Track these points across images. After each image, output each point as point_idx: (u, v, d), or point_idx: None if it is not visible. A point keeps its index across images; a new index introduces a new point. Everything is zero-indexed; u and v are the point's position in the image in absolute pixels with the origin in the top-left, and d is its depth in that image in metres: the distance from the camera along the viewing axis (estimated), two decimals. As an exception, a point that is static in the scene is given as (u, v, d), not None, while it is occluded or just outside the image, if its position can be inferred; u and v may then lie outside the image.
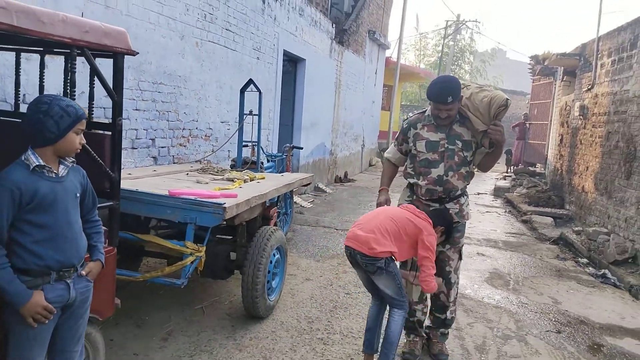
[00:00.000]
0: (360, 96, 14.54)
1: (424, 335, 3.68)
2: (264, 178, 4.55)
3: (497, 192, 12.77)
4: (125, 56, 2.56)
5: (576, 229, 8.59)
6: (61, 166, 2.10)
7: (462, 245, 3.60)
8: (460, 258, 3.60)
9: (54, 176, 2.06)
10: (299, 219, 7.72)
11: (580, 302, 5.11)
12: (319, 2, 11.17)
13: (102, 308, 2.53)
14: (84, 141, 2.15)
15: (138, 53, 2.64)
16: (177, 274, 3.28)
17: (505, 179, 15.11)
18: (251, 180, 4.33)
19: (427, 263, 3.02)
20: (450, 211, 3.43)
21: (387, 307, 3.21)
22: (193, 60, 5.68)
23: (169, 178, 4.18)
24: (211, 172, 4.67)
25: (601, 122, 8.69)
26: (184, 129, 5.67)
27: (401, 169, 3.71)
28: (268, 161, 6.11)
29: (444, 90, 3.22)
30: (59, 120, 2.02)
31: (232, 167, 5.41)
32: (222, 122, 6.55)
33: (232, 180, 4.22)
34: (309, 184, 5.33)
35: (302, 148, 7.88)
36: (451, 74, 29.20)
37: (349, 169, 13.83)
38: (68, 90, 2.43)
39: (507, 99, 3.22)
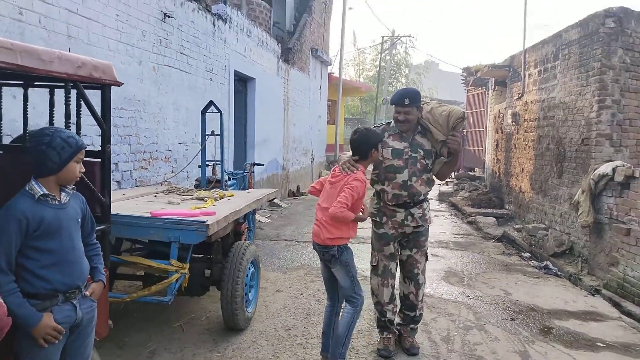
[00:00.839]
0: (307, 112, 14.91)
1: (396, 332, 3.93)
2: (232, 195, 4.72)
3: (442, 196, 13.46)
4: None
5: (517, 226, 9.27)
6: (63, 193, 2.22)
7: (427, 248, 3.89)
8: (426, 259, 3.90)
9: (57, 203, 2.18)
10: (259, 234, 7.88)
11: (528, 292, 5.60)
12: (262, 22, 11.48)
13: (98, 328, 2.62)
14: (83, 169, 2.28)
15: (123, 84, 2.80)
16: (162, 293, 3.39)
17: (447, 184, 15.89)
18: (221, 198, 4.49)
19: (341, 197, 3.20)
20: (415, 216, 3.73)
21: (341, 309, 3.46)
22: (151, 84, 5.78)
23: (140, 201, 4.27)
24: (178, 193, 4.78)
25: (532, 127, 9.46)
26: (144, 152, 5.73)
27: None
28: (229, 179, 6.26)
29: (402, 94, 3.66)
30: (60, 151, 2.14)
31: (197, 186, 5.53)
32: (180, 144, 6.65)
33: (203, 199, 4.36)
34: (274, 198, 5.54)
35: (263, 165, 8.09)
36: (389, 87, 30.19)
37: (301, 183, 14.10)
38: (54, 121, 2.55)
39: (464, 112, 3.62)
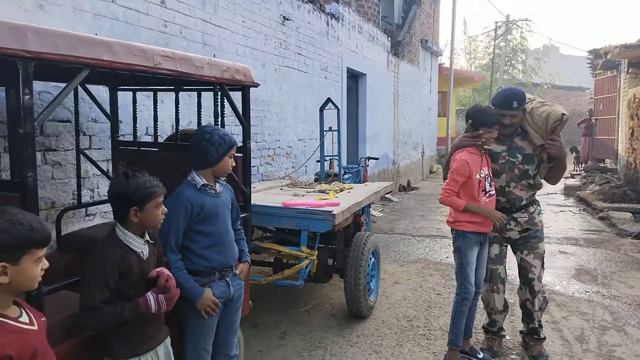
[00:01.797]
0: (417, 105, 14.72)
1: (504, 334, 3.76)
2: (352, 188, 4.88)
3: (568, 190, 12.51)
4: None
5: (658, 222, 8.35)
6: (217, 184, 2.50)
7: (543, 252, 3.57)
8: (543, 266, 3.56)
9: (214, 193, 2.46)
10: (374, 227, 7.98)
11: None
12: (371, 17, 11.55)
13: (242, 307, 2.90)
14: (234, 164, 2.55)
15: (260, 85, 3.05)
16: (294, 277, 3.64)
17: (574, 177, 14.74)
18: (341, 190, 4.66)
19: (445, 183, 3.27)
20: (519, 220, 3.48)
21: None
22: (273, 85, 6.15)
23: (269, 193, 4.58)
24: (300, 186, 5.04)
25: (677, 111, 8.45)
26: (269, 148, 6.12)
27: None
28: (345, 173, 6.45)
29: (510, 96, 3.34)
30: (218, 147, 2.41)
31: (316, 180, 5.77)
32: (298, 140, 6.98)
33: (325, 192, 4.56)
34: (391, 191, 5.61)
35: (377, 158, 8.19)
36: (505, 75, 28.46)
37: (411, 177, 13.98)
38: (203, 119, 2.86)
39: (564, 114, 3.26)
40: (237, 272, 2.57)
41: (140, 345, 1.99)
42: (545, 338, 3.67)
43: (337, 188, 4.67)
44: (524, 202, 3.50)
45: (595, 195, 10.98)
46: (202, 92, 3.08)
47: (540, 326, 3.65)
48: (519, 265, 3.61)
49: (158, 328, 2.08)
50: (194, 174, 2.43)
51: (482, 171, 3.27)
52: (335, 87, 8.27)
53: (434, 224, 8.43)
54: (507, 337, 3.86)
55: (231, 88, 2.91)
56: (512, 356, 3.66)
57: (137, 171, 2.01)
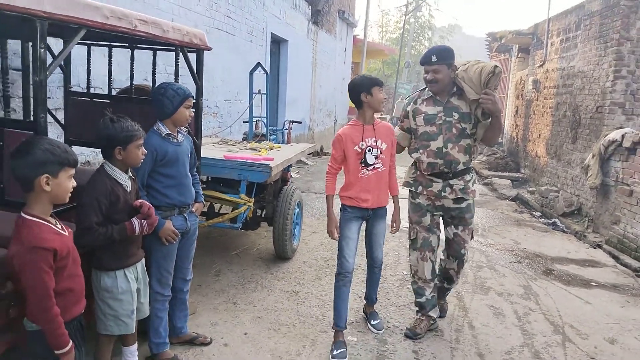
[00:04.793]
0: (332, 74, 15.39)
1: (432, 318, 3.63)
2: (280, 147, 5.42)
3: (461, 160, 14.00)
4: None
5: (530, 189, 9.88)
6: (179, 134, 2.93)
7: (473, 225, 3.61)
8: (472, 238, 3.64)
9: (176, 141, 2.89)
10: (291, 186, 8.63)
11: (535, 242, 6.29)
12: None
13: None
14: (192, 114, 2.97)
15: (212, 48, 3.45)
16: (233, 221, 4.16)
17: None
18: (271, 149, 5.19)
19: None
20: (454, 187, 3.43)
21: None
22: (204, 46, 6.41)
23: (204, 148, 4.97)
24: (232, 144, 5.48)
25: (551, 94, 9.91)
26: (198, 107, 6.42)
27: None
28: (271, 134, 6.94)
29: (429, 51, 3.38)
30: (172, 99, 2.82)
31: (244, 139, 6.22)
32: (225, 101, 7.32)
33: (256, 149, 5.06)
34: (312, 152, 6.23)
35: (301, 122, 8.74)
36: (412, 50, 29.75)
37: (324, 143, 14.74)
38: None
39: (496, 66, 3.22)
40: (193, 209, 3.04)
41: (125, 260, 2.43)
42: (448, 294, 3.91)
43: (268, 146, 5.18)
44: (461, 167, 3.43)
45: (483, 164, 12.49)
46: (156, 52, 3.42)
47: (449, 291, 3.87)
48: (451, 240, 3.58)
49: (137, 248, 2.53)
50: (159, 124, 2.84)
51: (362, 142, 3.18)
52: (260, 51, 8.64)
53: (345, 184, 9.25)
54: (438, 326, 3.72)
55: (188, 50, 3.30)
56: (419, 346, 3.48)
57: (121, 117, 2.41)
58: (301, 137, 12.05)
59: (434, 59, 3.32)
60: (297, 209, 4.94)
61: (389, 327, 3.67)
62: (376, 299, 3.74)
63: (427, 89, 3.51)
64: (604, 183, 7.15)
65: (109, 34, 2.56)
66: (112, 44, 3.54)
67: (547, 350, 3.50)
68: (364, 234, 3.43)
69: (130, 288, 2.42)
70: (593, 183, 7.29)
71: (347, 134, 3.24)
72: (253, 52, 8.25)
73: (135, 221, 2.39)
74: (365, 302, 3.76)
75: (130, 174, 2.49)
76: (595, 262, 5.73)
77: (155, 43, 3.16)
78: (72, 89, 3.68)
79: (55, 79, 3.79)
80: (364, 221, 3.38)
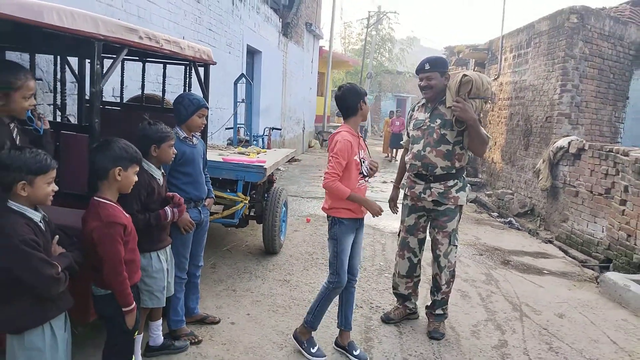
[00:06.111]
0: (300, 83, 15.94)
1: (408, 308, 3.92)
2: (266, 152, 5.87)
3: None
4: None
5: (488, 192, 10.66)
6: (194, 138, 3.35)
7: (452, 231, 3.62)
8: (450, 243, 3.64)
9: (191, 144, 3.31)
10: (268, 190, 9.07)
11: (494, 238, 6.97)
12: (262, -3, 12.39)
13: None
14: (204, 122, 3.40)
15: (216, 63, 3.90)
16: (230, 217, 4.58)
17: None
18: (258, 153, 5.63)
19: (328, 167, 3.09)
20: (434, 190, 3.53)
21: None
22: (189, 57, 6.80)
23: (196, 152, 5.37)
24: (220, 149, 5.89)
25: (506, 105, 10.77)
26: (183, 114, 6.79)
27: None
28: (254, 140, 7.37)
29: (423, 60, 3.57)
30: (187, 107, 3.26)
31: (229, 144, 6.63)
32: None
33: (244, 154, 5.49)
34: (293, 157, 6.71)
35: (280, 129, 9.23)
36: (374, 62, 30.54)
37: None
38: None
39: (465, 75, 3.36)
40: (206, 204, 3.47)
41: (157, 243, 2.84)
42: (444, 315, 3.81)
43: (255, 151, 5.63)
44: (440, 171, 3.52)
45: (445, 170, 13.24)
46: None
47: (444, 303, 3.77)
48: (431, 241, 3.73)
49: (166, 234, 2.94)
50: (177, 128, 3.26)
51: (359, 153, 3.18)
52: (237, 62, 9.06)
53: (317, 189, 9.74)
54: (418, 317, 3.98)
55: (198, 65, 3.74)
56: (402, 327, 3.85)
57: (157, 121, 2.83)
58: (274, 144, 12.47)
59: (427, 66, 3.51)
60: (284, 208, 5.40)
61: (372, 307, 4.17)
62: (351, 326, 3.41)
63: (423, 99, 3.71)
64: (554, 185, 7.95)
65: (141, 51, 2.99)
66: (125, 58, 3.92)
67: (507, 324, 4.09)
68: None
69: (162, 267, 2.83)
70: (544, 186, 8.08)
71: (352, 142, 3.09)
72: (231, 62, 8.67)
73: (168, 209, 2.81)
74: (341, 329, 3.38)
75: (162, 170, 2.91)
76: (546, 254, 6.45)
77: (172, 58, 3.59)
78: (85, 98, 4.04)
79: (70, 87, 4.13)
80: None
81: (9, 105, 2.28)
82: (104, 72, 2.59)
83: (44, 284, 1.87)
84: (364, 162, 3.21)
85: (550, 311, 4.43)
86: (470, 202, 9.88)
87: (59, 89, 3.57)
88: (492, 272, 5.42)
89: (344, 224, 3.15)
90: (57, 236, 2.08)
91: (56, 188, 2.04)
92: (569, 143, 7.55)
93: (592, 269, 5.90)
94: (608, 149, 6.50)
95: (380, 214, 3.13)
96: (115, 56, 2.72)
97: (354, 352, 3.30)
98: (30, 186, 1.93)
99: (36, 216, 1.96)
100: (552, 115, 8.48)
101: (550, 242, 7.33)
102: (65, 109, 3.56)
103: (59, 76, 3.55)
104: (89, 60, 2.64)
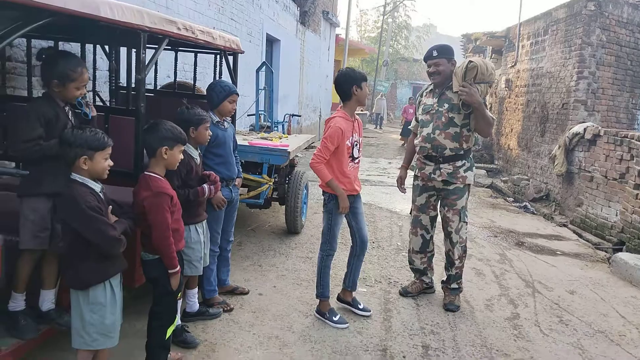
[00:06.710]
0: (317, 71, 16.11)
1: (424, 281, 4.16)
2: (287, 137, 6.11)
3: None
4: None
5: (503, 179, 10.78)
6: (225, 122, 3.60)
7: (462, 209, 3.83)
8: (460, 220, 3.84)
9: (223, 127, 3.56)
10: (287, 176, 9.33)
11: (509, 221, 7.15)
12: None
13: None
14: (235, 108, 3.64)
15: (244, 52, 4.13)
16: (256, 197, 4.85)
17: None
18: (280, 138, 5.87)
19: (317, 149, 3.36)
20: (443, 170, 3.76)
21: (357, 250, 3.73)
22: (213, 46, 7.05)
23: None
24: (244, 134, 6.14)
25: (522, 92, 10.83)
26: (207, 101, 7.06)
27: None
28: (275, 126, 7.62)
29: (431, 49, 3.78)
30: (218, 94, 3.50)
31: (251, 130, 6.88)
32: (228, 96, 7.96)
33: (267, 139, 5.73)
34: (313, 142, 6.94)
35: (300, 116, 9.47)
36: (390, 49, 30.51)
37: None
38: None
39: (470, 61, 3.56)
40: (236, 183, 3.72)
41: (195, 217, 3.09)
42: (459, 289, 4.02)
43: (277, 136, 5.87)
44: (449, 152, 3.72)
45: (461, 157, 13.36)
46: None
47: (458, 277, 3.99)
48: (442, 219, 3.93)
49: (203, 209, 3.20)
50: (210, 113, 3.50)
51: (352, 137, 3.38)
52: (257, 50, 9.29)
53: (336, 175, 9.99)
54: (435, 292, 4.21)
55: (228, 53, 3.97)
56: (419, 300, 4.09)
57: (194, 106, 3.08)
58: (292, 131, 12.72)
59: (434, 53, 3.73)
60: (305, 190, 5.65)
61: (390, 282, 4.41)
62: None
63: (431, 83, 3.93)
64: (569, 171, 8.06)
65: (178, 41, 3.23)
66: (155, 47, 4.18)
67: (520, 299, 4.30)
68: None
69: (199, 239, 3.10)
70: (559, 171, 8.20)
71: (344, 128, 3.30)
72: (252, 51, 8.89)
73: (206, 186, 3.07)
74: (347, 289, 3.76)
75: (199, 151, 3.17)
76: (560, 237, 6.61)
77: (204, 47, 3.83)
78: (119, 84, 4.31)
79: (102, 74, 4.40)
80: None
81: (63, 93, 2.55)
82: (152, 60, 2.84)
83: (108, 243, 2.15)
84: (356, 145, 3.43)
85: (562, 288, 4.62)
86: (486, 187, 10.02)
87: (97, 77, 3.84)
88: (506, 252, 5.61)
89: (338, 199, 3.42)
90: (111, 206, 2.34)
91: (112, 163, 2.30)
92: (585, 129, 7.64)
93: (605, 251, 6.05)
94: (623, 135, 6.61)
95: (346, 210, 3.44)
96: (155, 46, 2.97)
97: (359, 306, 3.72)
98: (91, 161, 2.19)
99: (97, 187, 2.23)
100: (568, 102, 8.56)
101: (565, 225, 7.47)
102: (115, 94, 3.84)
103: (97, 65, 3.82)
104: (134, 50, 2.89)
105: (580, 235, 6.88)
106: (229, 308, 3.59)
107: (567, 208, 8.07)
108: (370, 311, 3.74)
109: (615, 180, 6.66)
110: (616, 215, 6.49)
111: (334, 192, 3.44)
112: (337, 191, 3.41)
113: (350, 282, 3.76)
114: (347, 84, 3.38)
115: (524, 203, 8.59)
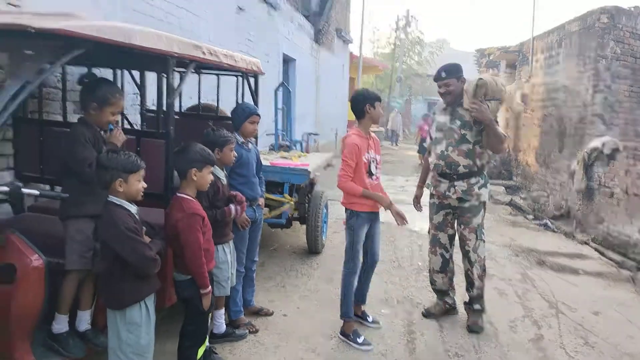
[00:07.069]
0: (332, 89, 16.23)
1: (446, 302, 4.12)
2: (306, 156, 6.16)
3: (455, 169, 14.82)
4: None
5: (523, 196, 10.69)
6: (249, 143, 3.65)
7: (478, 226, 3.83)
8: (477, 238, 3.83)
9: (247, 148, 3.62)
10: (304, 193, 9.36)
11: (530, 240, 7.07)
12: (292, 4, 12.74)
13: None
14: (256, 129, 3.70)
15: (265, 74, 4.20)
16: (278, 217, 4.88)
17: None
18: (299, 157, 5.92)
19: (340, 170, 3.47)
20: (457, 188, 3.74)
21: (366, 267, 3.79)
22: (232, 67, 7.17)
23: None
24: (262, 154, 6.19)
25: (538, 107, 10.79)
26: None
27: None
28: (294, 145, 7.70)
29: (440, 69, 3.82)
30: (240, 115, 3.58)
31: (271, 149, 6.95)
32: (246, 115, 8.06)
33: (286, 158, 5.78)
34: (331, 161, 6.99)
35: (318, 134, 9.53)
36: (403, 65, 30.63)
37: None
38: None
39: (480, 79, 3.58)
40: (260, 203, 3.76)
41: (223, 237, 3.13)
42: (482, 310, 3.98)
43: (297, 155, 5.92)
44: (462, 169, 3.73)
45: (477, 173, 13.30)
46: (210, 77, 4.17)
47: (480, 297, 3.94)
48: (459, 237, 3.92)
49: (230, 229, 3.24)
50: (236, 134, 3.57)
51: (368, 154, 3.47)
52: (274, 70, 9.40)
53: (352, 192, 10.00)
54: (458, 313, 4.14)
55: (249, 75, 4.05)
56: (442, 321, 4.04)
57: (219, 128, 3.15)
58: (309, 149, 12.80)
59: (443, 74, 3.79)
60: (325, 210, 5.67)
61: (412, 303, 4.39)
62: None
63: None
64: (589, 187, 7.98)
65: (204, 65, 3.31)
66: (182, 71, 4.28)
67: (544, 320, 4.24)
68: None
69: (227, 259, 3.13)
70: (579, 187, 8.12)
71: (359, 144, 3.41)
72: (269, 71, 8.99)
73: (232, 206, 3.12)
74: (356, 302, 3.76)
75: (224, 171, 3.22)
76: (582, 255, 6.51)
77: (229, 70, 3.91)
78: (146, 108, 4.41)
79: (130, 99, 4.50)
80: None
81: (99, 117, 2.63)
82: (180, 84, 2.92)
83: (145, 264, 2.22)
84: (372, 161, 3.52)
85: (586, 308, 4.55)
86: (505, 204, 9.94)
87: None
88: (527, 271, 5.55)
89: (361, 216, 3.52)
90: (144, 228, 2.40)
91: (145, 185, 2.36)
92: (603, 144, 7.59)
93: (629, 270, 5.95)
94: (644, 150, 6.54)
95: (403, 222, 3.50)
96: (181, 69, 3.05)
97: (368, 319, 3.85)
98: (126, 183, 2.25)
99: (132, 208, 2.29)
100: (585, 116, 8.51)
101: (586, 243, 7.36)
102: (144, 117, 3.94)
103: (126, 89, 3.92)
104: (163, 75, 2.97)
105: (602, 254, 6.77)
106: (254, 329, 3.60)
107: (588, 225, 7.96)
108: (379, 323, 3.86)
109: (637, 195, 6.58)
110: (639, 233, 6.39)
111: (355, 208, 3.51)
112: (374, 197, 3.46)
113: (360, 295, 3.81)
114: (361, 103, 3.53)
115: (544, 220, 8.50)
